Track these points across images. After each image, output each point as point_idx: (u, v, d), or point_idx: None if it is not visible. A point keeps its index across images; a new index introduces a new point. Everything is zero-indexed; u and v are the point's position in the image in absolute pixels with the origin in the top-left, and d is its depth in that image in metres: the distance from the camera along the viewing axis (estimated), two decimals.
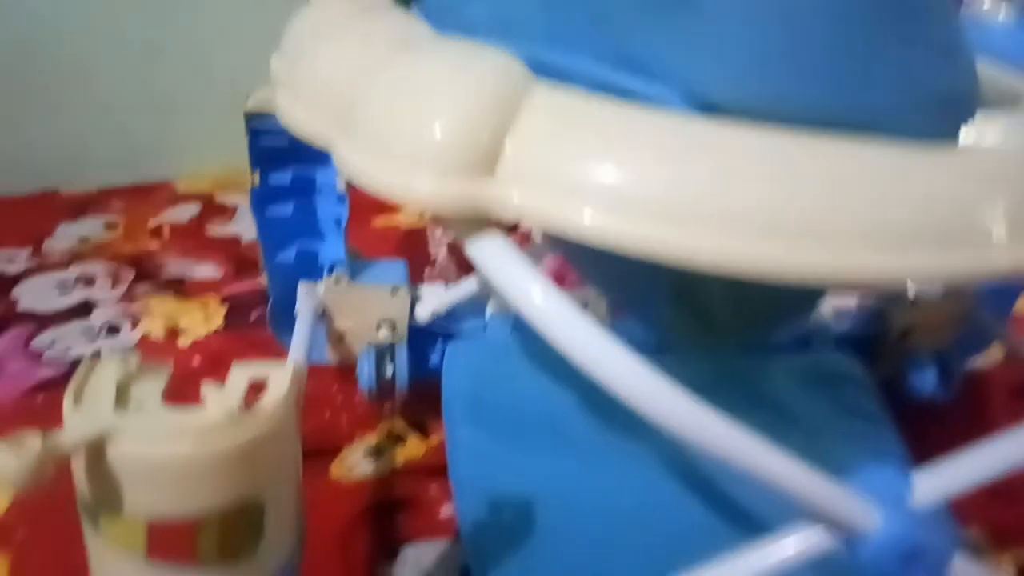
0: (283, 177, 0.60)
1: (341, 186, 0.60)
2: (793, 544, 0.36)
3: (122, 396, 0.26)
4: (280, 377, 0.28)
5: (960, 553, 0.35)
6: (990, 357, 0.77)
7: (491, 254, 0.31)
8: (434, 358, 0.70)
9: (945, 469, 0.35)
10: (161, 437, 0.26)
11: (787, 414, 0.67)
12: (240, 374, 0.28)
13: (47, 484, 0.23)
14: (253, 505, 0.27)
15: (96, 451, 0.25)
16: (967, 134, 0.28)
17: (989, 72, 0.36)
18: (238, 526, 0.27)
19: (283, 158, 0.60)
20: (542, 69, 0.29)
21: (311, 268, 0.65)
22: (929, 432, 0.53)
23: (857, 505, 0.33)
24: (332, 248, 0.64)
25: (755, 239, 0.26)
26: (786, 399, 0.67)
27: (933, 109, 0.29)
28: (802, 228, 0.26)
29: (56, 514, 0.62)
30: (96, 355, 0.27)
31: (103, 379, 0.27)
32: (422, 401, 0.73)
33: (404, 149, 0.28)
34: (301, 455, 0.30)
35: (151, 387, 0.27)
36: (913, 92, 0.29)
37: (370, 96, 0.29)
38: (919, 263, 0.27)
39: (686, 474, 0.58)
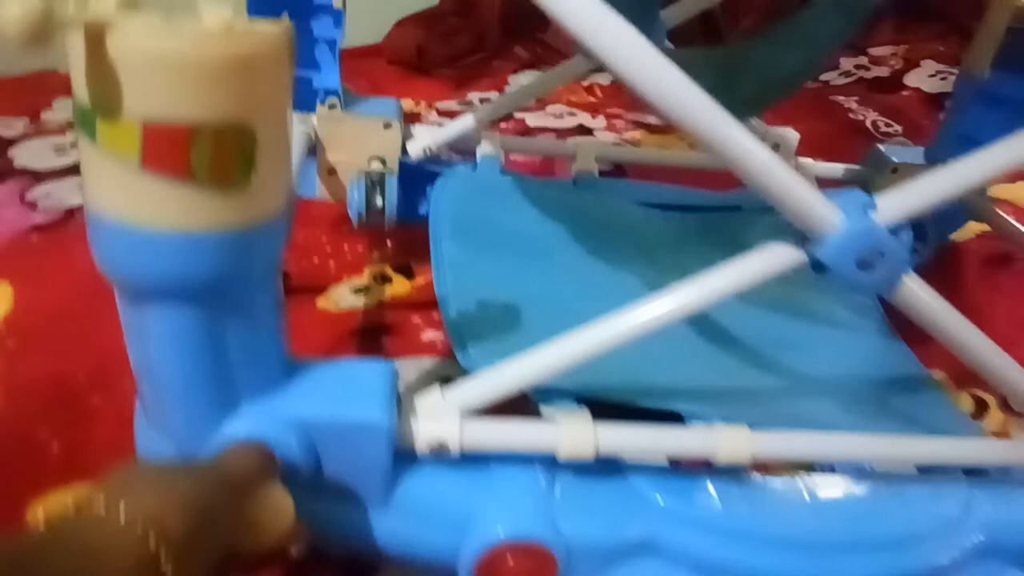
0: None
1: (338, 2, 0.61)
2: (763, 259, 0.37)
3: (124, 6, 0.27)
4: (273, 25, 0.29)
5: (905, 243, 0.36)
6: (966, 231, 0.79)
7: None
8: (423, 206, 0.72)
9: (906, 191, 0.37)
10: (160, 36, 0.27)
11: None
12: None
13: (41, 41, 0.24)
14: (245, 130, 0.29)
15: (96, 39, 0.26)
16: None
17: None
18: (230, 147, 0.28)
19: None
20: None
21: (306, 98, 0.66)
22: None
23: (825, 206, 0.35)
24: (327, 77, 0.65)
25: None
26: None
27: None
28: None
29: (47, 329, 0.64)
30: None
31: None
32: (408, 246, 0.75)
33: None
34: (291, 112, 0.32)
35: (150, 16, 0.28)
36: None
37: None
38: None
39: (645, 282, 0.60)
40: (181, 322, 0.32)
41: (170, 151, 0.28)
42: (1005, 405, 0.60)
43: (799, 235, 0.36)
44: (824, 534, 0.41)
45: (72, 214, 0.81)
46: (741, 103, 0.56)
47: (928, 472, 0.44)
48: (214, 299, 0.32)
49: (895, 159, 0.74)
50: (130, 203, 0.29)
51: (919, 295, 0.37)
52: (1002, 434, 0.59)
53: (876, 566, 0.41)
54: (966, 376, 0.62)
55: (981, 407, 0.60)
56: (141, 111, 0.27)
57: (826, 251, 0.35)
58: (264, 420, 0.35)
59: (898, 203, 0.36)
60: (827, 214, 0.35)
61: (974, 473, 0.44)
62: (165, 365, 0.33)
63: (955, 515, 0.42)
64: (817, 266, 0.36)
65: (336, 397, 0.37)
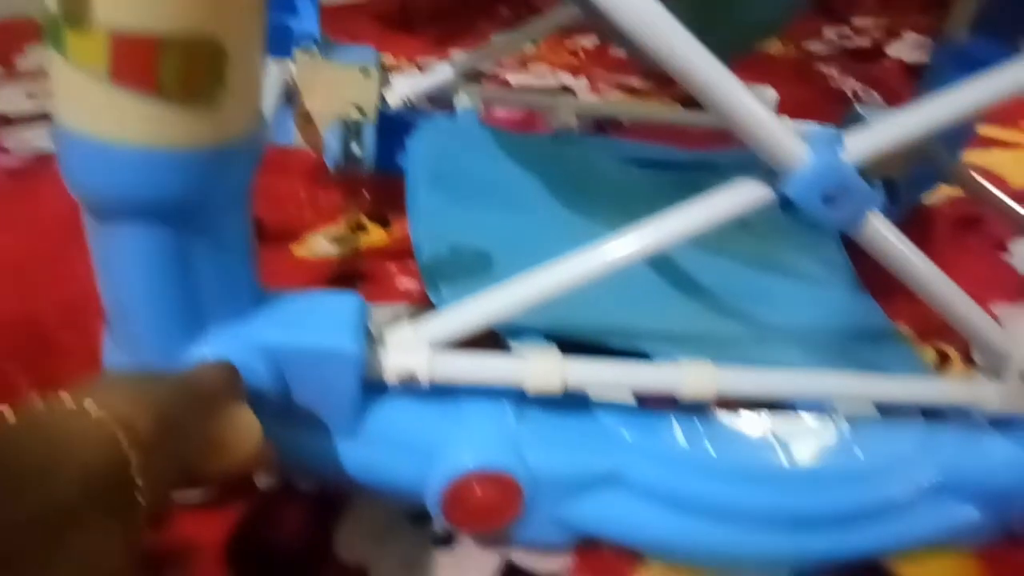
0: None
1: None
2: (732, 196, 0.38)
3: None
4: None
5: (877, 204, 0.37)
6: (939, 194, 0.80)
7: None
8: (400, 157, 0.71)
9: (873, 130, 0.37)
10: None
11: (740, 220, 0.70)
12: None
13: None
14: (215, 44, 0.28)
15: None
16: None
17: None
18: (199, 61, 0.28)
19: None
20: None
21: (283, 43, 0.65)
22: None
23: (793, 141, 0.35)
24: (305, 22, 0.65)
25: None
26: None
27: None
28: None
29: (16, 269, 0.63)
30: None
31: None
32: (385, 196, 0.75)
33: None
34: (263, 33, 0.31)
35: None
36: None
37: None
38: None
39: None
40: (148, 243, 0.32)
41: (138, 64, 0.28)
42: (967, 357, 0.61)
43: (768, 171, 0.37)
44: (784, 468, 0.42)
45: (44, 159, 0.80)
46: (716, 49, 0.56)
47: (888, 413, 0.45)
48: (182, 220, 0.32)
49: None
50: (98, 118, 0.29)
51: (883, 233, 0.38)
52: None
53: (834, 499, 0.42)
54: (929, 329, 0.63)
55: (944, 360, 0.62)
56: (109, 21, 0.27)
57: (793, 186, 0.36)
58: (232, 345, 0.35)
59: (866, 141, 0.37)
60: (795, 149, 0.35)
61: (933, 416, 0.46)
62: (132, 287, 0.33)
63: (912, 453, 0.43)
64: (784, 202, 0.37)
65: (305, 325, 0.37)
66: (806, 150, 0.35)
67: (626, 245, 0.39)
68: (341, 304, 0.38)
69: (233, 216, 0.34)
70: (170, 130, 0.29)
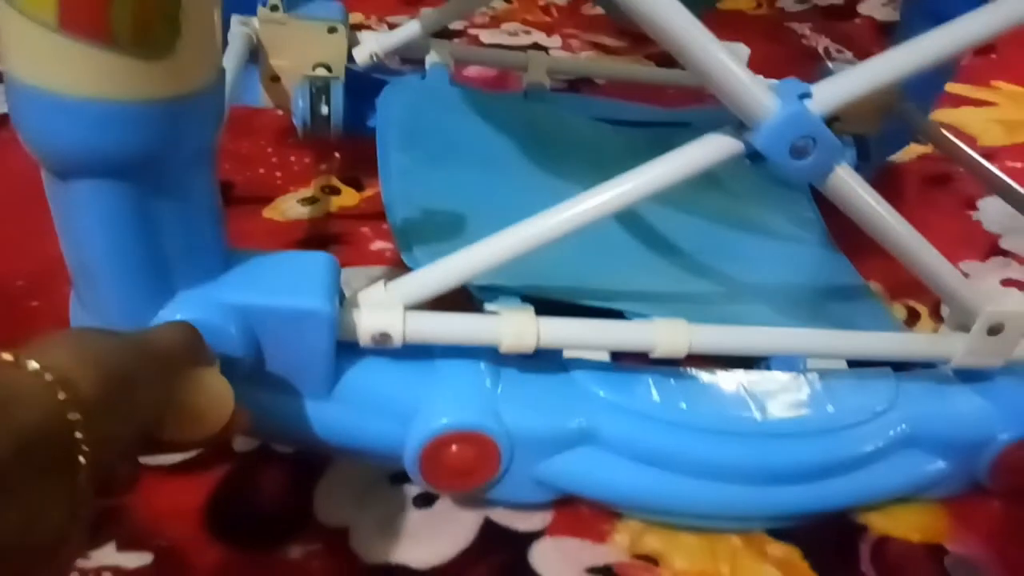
0: None
1: None
2: (702, 148, 0.38)
3: None
4: None
5: (847, 161, 0.37)
6: (908, 152, 0.80)
7: None
8: (370, 117, 0.70)
9: (840, 80, 0.37)
10: None
11: (712, 177, 0.70)
12: None
13: None
14: None
15: None
16: None
17: None
18: (153, 8, 0.27)
19: None
20: None
21: (247, 1, 0.64)
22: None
23: (762, 92, 0.35)
24: None
25: None
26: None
27: None
28: None
29: None
30: None
31: None
32: (357, 158, 0.73)
33: None
34: None
35: None
36: None
37: None
38: None
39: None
40: (109, 201, 0.31)
41: (88, 11, 0.27)
42: (935, 314, 0.62)
43: (739, 125, 0.37)
44: (757, 423, 0.42)
45: (6, 120, 0.77)
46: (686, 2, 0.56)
47: (858, 368, 0.46)
48: (143, 177, 0.31)
49: None
50: (49, 69, 0.28)
51: (852, 186, 0.38)
52: None
53: (806, 453, 0.42)
54: (900, 287, 0.64)
55: (913, 317, 0.63)
56: None
57: (761, 138, 0.35)
58: (202, 307, 0.35)
59: (833, 91, 0.36)
60: (764, 100, 0.35)
61: (902, 369, 0.46)
62: (95, 247, 0.32)
63: (881, 406, 0.44)
64: (753, 154, 0.37)
65: (277, 285, 0.36)
66: (775, 101, 0.35)
67: (598, 200, 0.39)
68: (313, 264, 0.38)
69: (198, 174, 0.33)
70: (124, 82, 0.28)
